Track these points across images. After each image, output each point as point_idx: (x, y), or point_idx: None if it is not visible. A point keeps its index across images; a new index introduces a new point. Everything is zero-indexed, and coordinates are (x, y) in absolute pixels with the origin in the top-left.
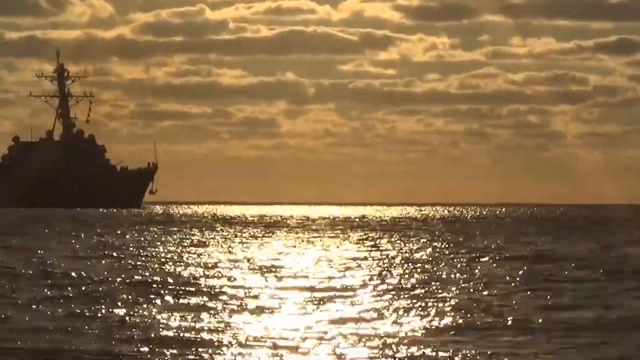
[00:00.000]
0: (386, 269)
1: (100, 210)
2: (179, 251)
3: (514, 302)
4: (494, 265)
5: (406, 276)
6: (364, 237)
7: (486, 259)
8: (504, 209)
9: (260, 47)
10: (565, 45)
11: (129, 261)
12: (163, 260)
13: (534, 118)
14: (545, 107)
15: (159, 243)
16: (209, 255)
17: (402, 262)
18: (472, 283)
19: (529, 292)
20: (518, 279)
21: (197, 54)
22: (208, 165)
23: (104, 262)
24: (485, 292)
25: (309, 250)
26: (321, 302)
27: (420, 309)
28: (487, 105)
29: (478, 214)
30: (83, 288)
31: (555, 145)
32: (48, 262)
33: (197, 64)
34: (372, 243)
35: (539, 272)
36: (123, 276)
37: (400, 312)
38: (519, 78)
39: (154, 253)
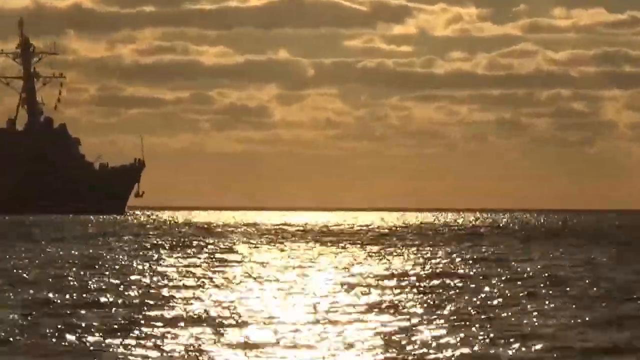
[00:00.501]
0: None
1: (81, 217)
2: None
3: None
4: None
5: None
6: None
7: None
8: (543, 218)
9: (248, 19)
10: (619, 17)
11: None
12: None
13: (579, 105)
14: (593, 92)
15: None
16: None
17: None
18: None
19: None
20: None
21: (171, 27)
22: (184, 161)
23: None
24: None
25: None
26: None
27: None
28: (522, 89)
29: (511, 223)
30: None
31: (604, 139)
32: None
33: (172, 39)
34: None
35: None
36: None
37: None
38: (561, 57)
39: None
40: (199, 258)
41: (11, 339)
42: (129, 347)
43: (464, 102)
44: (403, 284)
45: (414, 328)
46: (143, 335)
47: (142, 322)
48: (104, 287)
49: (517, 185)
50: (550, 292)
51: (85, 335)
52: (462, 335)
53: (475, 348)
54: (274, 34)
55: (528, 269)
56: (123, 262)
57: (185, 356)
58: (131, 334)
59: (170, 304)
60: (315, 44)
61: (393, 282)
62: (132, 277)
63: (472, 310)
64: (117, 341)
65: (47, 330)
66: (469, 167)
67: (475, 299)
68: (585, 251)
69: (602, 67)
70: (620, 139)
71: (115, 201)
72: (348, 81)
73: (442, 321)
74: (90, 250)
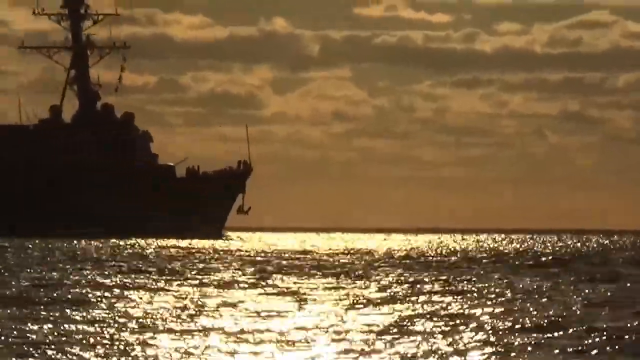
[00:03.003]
0: None
1: (161, 243)
2: None
3: None
4: None
5: None
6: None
7: None
8: (624, 239)
9: None
10: None
11: None
12: None
13: None
14: None
15: None
16: None
17: None
18: None
19: None
20: None
21: None
22: None
23: None
24: None
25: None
26: None
27: None
28: (595, 72)
29: (583, 247)
30: None
31: None
32: None
33: (131, 5)
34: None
35: None
36: None
37: None
38: None
39: None
40: None
41: None
42: None
43: (517, 90)
44: None
45: None
46: None
47: None
48: None
49: (590, 198)
50: None
51: None
52: None
53: None
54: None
55: None
56: None
57: None
58: None
59: None
60: (321, 13)
61: None
62: None
63: None
64: None
65: None
66: (525, 173)
67: None
68: None
69: None
70: None
71: (211, 220)
72: (363, 61)
73: None
74: None
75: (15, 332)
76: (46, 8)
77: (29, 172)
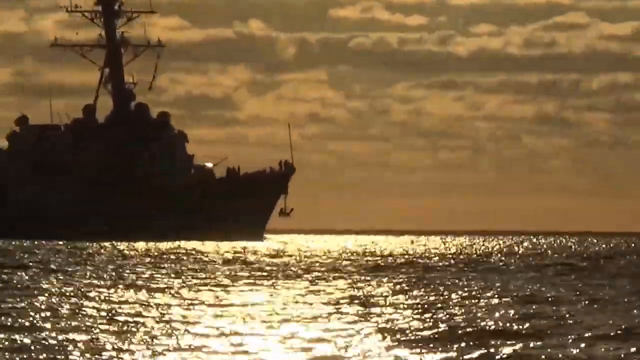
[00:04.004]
0: None
1: (211, 244)
2: None
3: None
4: None
5: None
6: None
7: None
8: (604, 245)
9: None
10: None
11: None
12: None
13: None
14: None
15: None
16: None
17: None
18: None
19: None
20: None
21: None
22: None
23: None
24: None
25: None
26: None
27: None
28: (571, 74)
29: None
30: None
31: None
32: None
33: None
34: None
35: None
36: None
37: None
38: (623, 31)
39: None
40: None
41: None
42: None
43: (492, 92)
44: None
45: None
46: None
47: None
48: None
49: (563, 201)
50: None
51: None
52: None
53: None
54: (244, 0)
55: None
56: None
57: None
58: None
59: None
60: (297, 15)
61: None
62: None
63: None
64: None
65: None
66: (500, 177)
67: None
68: None
69: None
70: None
71: (252, 222)
72: (339, 63)
73: None
74: None
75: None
76: (79, 4)
77: (65, 174)
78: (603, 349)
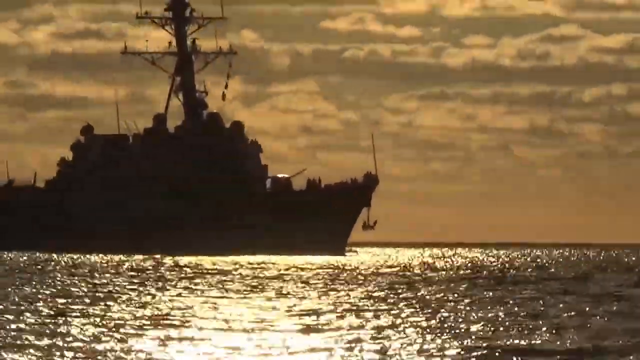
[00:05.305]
0: None
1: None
2: None
3: None
4: None
5: None
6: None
7: None
8: (593, 253)
9: None
10: None
11: None
12: None
13: (638, 107)
14: None
15: None
16: None
17: None
18: None
19: None
20: None
21: (100, 3)
22: None
23: None
24: None
25: None
26: None
27: None
28: (564, 86)
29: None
30: None
31: None
32: None
33: (101, 19)
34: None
35: None
36: None
37: None
38: (616, 43)
39: None
40: None
41: None
42: None
43: (485, 103)
44: None
45: None
46: None
47: None
48: None
49: (555, 213)
50: None
51: None
52: None
53: None
54: (235, 10)
55: None
56: None
57: None
58: None
59: None
60: (288, 24)
61: None
62: None
63: None
64: None
65: None
66: (493, 189)
67: None
68: None
69: None
70: None
71: (333, 235)
72: (331, 74)
73: None
74: None
75: None
76: (149, 11)
77: (137, 185)
78: None
